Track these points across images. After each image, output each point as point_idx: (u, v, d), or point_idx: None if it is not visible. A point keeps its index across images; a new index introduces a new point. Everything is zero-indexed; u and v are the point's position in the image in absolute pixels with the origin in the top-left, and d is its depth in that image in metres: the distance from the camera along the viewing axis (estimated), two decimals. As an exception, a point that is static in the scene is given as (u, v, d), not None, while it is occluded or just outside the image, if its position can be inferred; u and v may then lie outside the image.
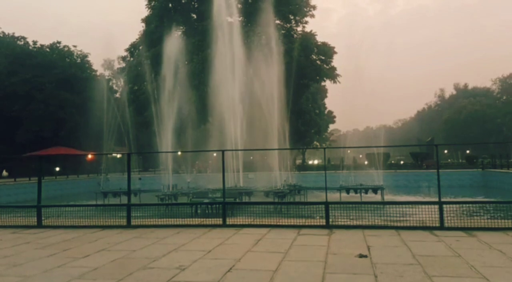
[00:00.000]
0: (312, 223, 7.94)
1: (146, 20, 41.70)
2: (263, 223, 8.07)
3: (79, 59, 49.53)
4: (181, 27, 41.93)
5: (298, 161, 65.04)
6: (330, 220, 7.91)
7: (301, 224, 7.97)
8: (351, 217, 8.81)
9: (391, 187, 28.07)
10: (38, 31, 64.56)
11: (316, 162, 54.98)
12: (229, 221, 8.18)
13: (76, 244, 6.83)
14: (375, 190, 22.25)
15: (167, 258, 5.64)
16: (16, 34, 47.83)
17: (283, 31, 38.55)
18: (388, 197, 22.28)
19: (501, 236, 6.80)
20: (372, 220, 8.20)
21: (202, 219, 8.67)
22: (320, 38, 40.76)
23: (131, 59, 44.67)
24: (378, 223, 7.95)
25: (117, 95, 50.28)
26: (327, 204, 7.86)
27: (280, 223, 8.02)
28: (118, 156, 58.42)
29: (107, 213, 9.13)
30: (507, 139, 72.13)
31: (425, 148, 58.93)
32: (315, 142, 69.64)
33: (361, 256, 5.47)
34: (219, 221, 8.24)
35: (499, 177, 32.82)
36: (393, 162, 57.07)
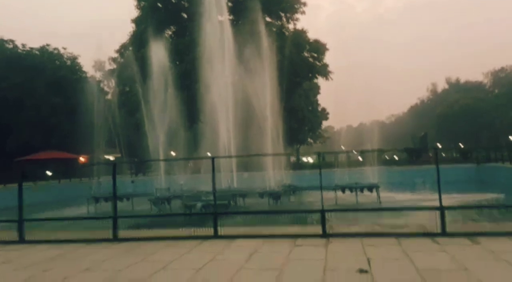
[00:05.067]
0: (308, 232, 7.56)
1: (136, 21, 41.22)
2: (257, 233, 7.67)
3: (69, 61, 48.87)
4: (172, 27, 41.46)
5: (292, 158, 64.59)
6: (327, 227, 7.54)
7: (296, 233, 7.58)
8: (348, 223, 8.48)
9: (387, 183, 27.79)
10: (26, 34, 63.57)
11: (310, 160, 54.59)
12: (221, 231, 7.78)
13: (58, 264, 6.42)
14: (370, 188, 21.93)
15: (153, 281, 5.24)
16: (5, 38, 47.03)
17: (274, 29, 38.20)
18: (383, 195, 21.94)
19: (505, 243, 6.47)
20: (370, 226, 7.84)
21: (193, 229, 8.27)
22: (311, 35, 40.54)
23: (122, 60, 44.17)
24: (376, 229, 7.59)
25: (109, 96, 49.76)
26: (323, 212, 7.50)
27: (275, 233, 7.63)
28: (111, 158, 57.92)
29: (93, 225, 8.73)
30: (499, 132, 72.26)
31: (420, 143, 58.96)
32: (308, 139, 69.35)
33: (361, 271, 5.12)
34: (210, 231, 7.85)
35: (493, 171, 32.71)
36: (387, 157, 56.97)
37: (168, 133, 27.38)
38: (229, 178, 26.26)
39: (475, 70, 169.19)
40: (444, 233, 7.06)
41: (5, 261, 6.73)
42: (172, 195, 21.57)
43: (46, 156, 42.44)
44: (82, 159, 48.65)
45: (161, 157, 27.81)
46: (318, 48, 40.19)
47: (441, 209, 7.19)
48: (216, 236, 7.65)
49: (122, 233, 8.09)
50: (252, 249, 6.63)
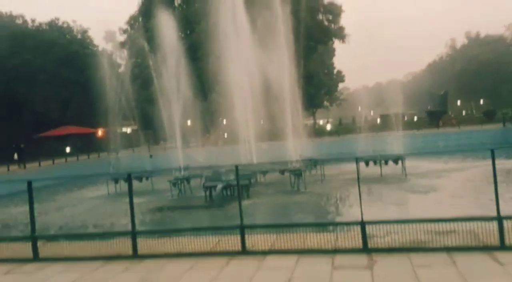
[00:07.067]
0: (347, 247, 6.80)
1: (144, -10, 39.95)
2: (289, 248, 6.96)
3: (79, 35, 48.21)
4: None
5: (310, 121, 63.81)
6: (368, 239, 6.77)
7: (334, 248, 6.82)
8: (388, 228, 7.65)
9: (409, 149, 26.84)
10: (34, 7, 62.49)
11: (328, 127, 53.37)
12: (249, 244, 7.09)
13: (75, 297, 5.82)
14: (395, 160, 21.13)
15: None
16: (14, 13, 46.47)
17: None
18: (409, 164, 21.09)
19: None
20: (416, 236, 7.01)
21: (218, 239, 7.61)
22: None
23: (132, 32, 43.26)
24: (422, 240, 6.79)
25: (122, 68, 49.24)
26: (363, 224, 6.72)
27: (310, 248, 6.89)
28: (128, 130, 57.92)
29: (110, 238, 8.14)
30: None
31: (439, 102, 57.21)
32: (325, 102, 68.30)
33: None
34: (237, 243, 7.16)
35: (523, 133, 31.42)
36: (406, 118, 55.78)
37: (182, 105, 26.79)
38: (248, 149, 25.75)
39: (496, 24, 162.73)
40: (503, 246, 6.24)
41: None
42: (191, 174, 21.17)
43: (65, 131, 42.53)
44: (100, 133, 48.63)
45: (177, 129, 27.29)
46: (333, 10, 38.62)
47: (499, 219, 6.34)
48: (244, 251, 6.96)
49: (141, 248, 7.45)
50: (287, 274, 5.92)
